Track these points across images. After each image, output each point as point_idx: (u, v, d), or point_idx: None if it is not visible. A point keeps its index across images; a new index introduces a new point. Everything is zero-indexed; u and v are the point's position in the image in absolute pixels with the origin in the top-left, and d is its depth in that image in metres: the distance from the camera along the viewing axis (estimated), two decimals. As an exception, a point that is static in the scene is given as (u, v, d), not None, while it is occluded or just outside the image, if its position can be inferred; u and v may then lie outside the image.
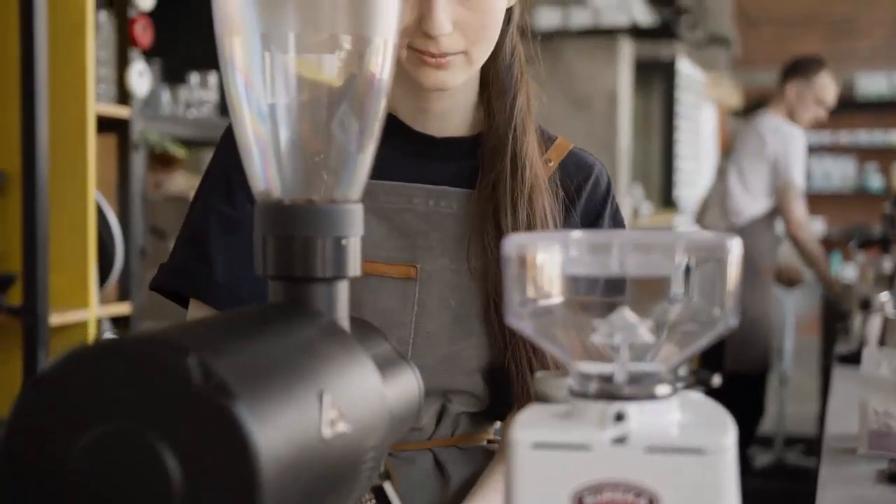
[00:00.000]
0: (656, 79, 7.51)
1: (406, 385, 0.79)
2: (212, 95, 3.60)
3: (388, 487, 0.79)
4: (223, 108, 3.52)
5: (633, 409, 0.63)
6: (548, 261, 0.67)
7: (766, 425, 5.38)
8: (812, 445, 5.06)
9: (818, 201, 10.16)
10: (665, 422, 0.64)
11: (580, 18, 5.97)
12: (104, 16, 3.05)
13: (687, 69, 7.79)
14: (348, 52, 0.72)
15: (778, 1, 10.63)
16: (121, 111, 3.04)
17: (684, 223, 7.36)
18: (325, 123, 0.72)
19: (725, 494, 0.62)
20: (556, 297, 0.67)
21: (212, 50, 0.72)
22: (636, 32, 6.20)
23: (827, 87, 4.60)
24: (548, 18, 5.86)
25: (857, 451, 1.76)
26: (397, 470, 1.28)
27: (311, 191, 0.72)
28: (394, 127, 1.31)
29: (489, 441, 1.39)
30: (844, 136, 10.43)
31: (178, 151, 3.41)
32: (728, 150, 5.04)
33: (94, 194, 2.89)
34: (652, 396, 0.64)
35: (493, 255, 1.25)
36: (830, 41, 10.41)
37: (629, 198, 6.29)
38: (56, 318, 2.73)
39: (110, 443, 0.56)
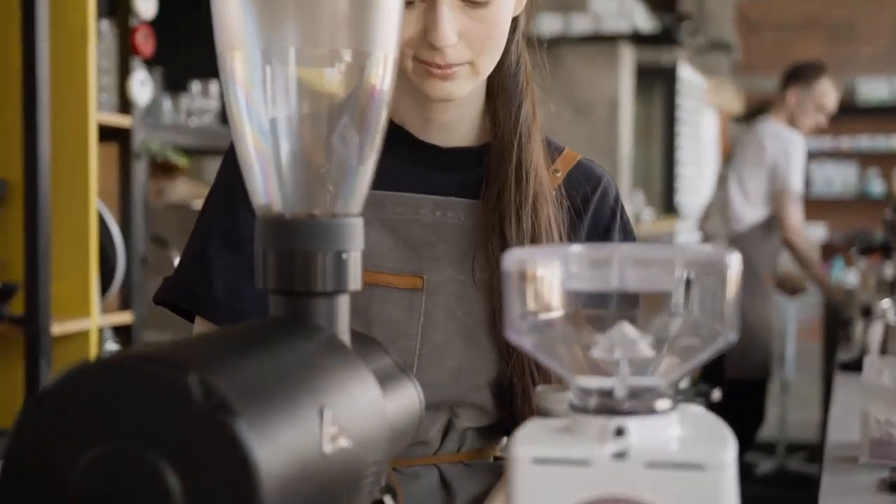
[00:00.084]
0: (657, 85, 7.51)
1: (407, 399, 0.79)
2: (213, 104, 3.60)
3: (390, 502, 0.79)
4: (224, 116, 3.52)
5: (633, 424, 0.63)
6: (547, 276, 0.67)
7: (768, 432, 5.38)
8: (814, 452, 5.05)
9: (819, 207, 10.17)
10: (665, 436, 0.64)
11: (581, 25, 5.97)
12: (106, 24, 3.06)
13: (688, 75, 7.80)
14: (349, 65, 0.72)
15: (779, 6, 10.64)
16: (122, 120, 3.04)
17: (686, 230, 7.36)
18: (326, 137, 0.72)
19: (726, 509, 0.62)
20: (556, 312, 0.67)
21: (213, 59, 0.72)
22: (637, 39, 6.20)
23: (827, 94, 4.60)
24: (549, 25, 5.86)
25: (859, 459, 1.76)
26: (402, 486, 1.27)
27: (312, 205, 0.72)
28: (400, 137, 1.31)
29: (496, 458, 1.37)
30: (846, 142, 10.43)
31: (180, 160, 3.41)
32: (729, 156, 5.04)
33: (95, 203, 2.89)
34: (652, 411, 0.64)
35: (498, 266, 1.25)
36: (831, 46, 10.42)
37: (630, 204, 6.29)
38: (58, 328, 2.73)
39: (111, 460, 0.56)
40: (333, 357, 0.69)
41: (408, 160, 1.30)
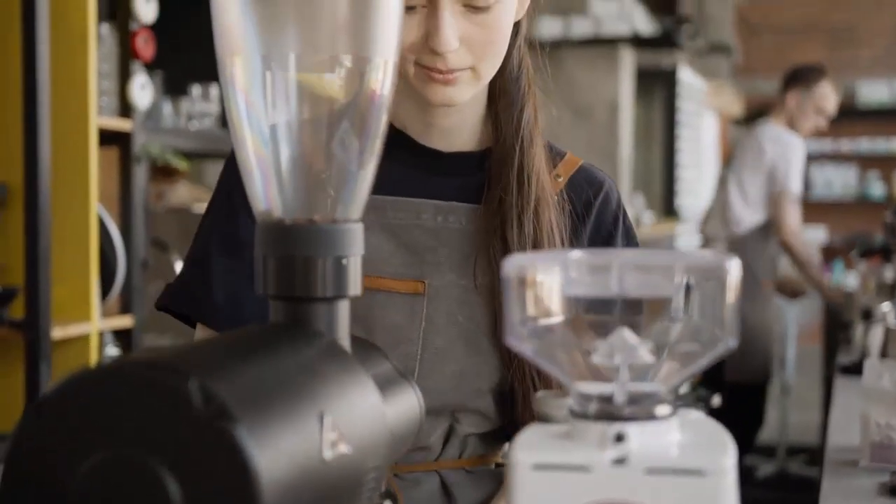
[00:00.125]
0: (657, 87, 7.52)
1: (407, 404, 0.79)
2: (213, 107, 3.61)
3: (390, 507, 0.79)
4: (225, 120, 3.52)
5: (633, 430, 0.63)
6: (547, 281, 0.67)
7: (769, 435, 5.38)
8: (815, 455, 5.05)
9: (820, 209, 10.17)
10: (665, 442, 0.64)
11: (581, 28, 5.98)
12: (106, 28, 3.06)
13: (688, 78, 7.80)
14: (349, 71, 0.72)
15: (779, 9, 10.65)
16: (123, 124, 3.04)
17: (686, 232, 7.36)
18: (326, 143, 0.72)
19: (726, 515, 0.62)
20: (556, 318, 0.67)
21: (213, 62, 0.73)
22: (637, 41, 6.21)
23: (827, 97, 4.60)
24: (549, 28, 5.86)
25: (859, 463, 1.76)
26: (403, 492, 1.27)
27: (312, 210, 0.72)
28: (401, 142, 1.31)
29: (497, 464, 1.36)
30: (846, 144, 10.44)
31: (180, 164, 3.41)
32: (729, 159, 5.04)
33: (95, 207, 2.89)
34: (652, 417, 0.64)
35: (499, 270, 1.25)
36: (831, 49, 10.42)
37: (631, 207, 6.29)
38: (58, 332, 2.73)
39: (112, 467, 0.56)
40: (333, 363, 0.69)
41: (409, 165, 1.30)
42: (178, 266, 3.29)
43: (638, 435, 0.63)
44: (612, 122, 6.08)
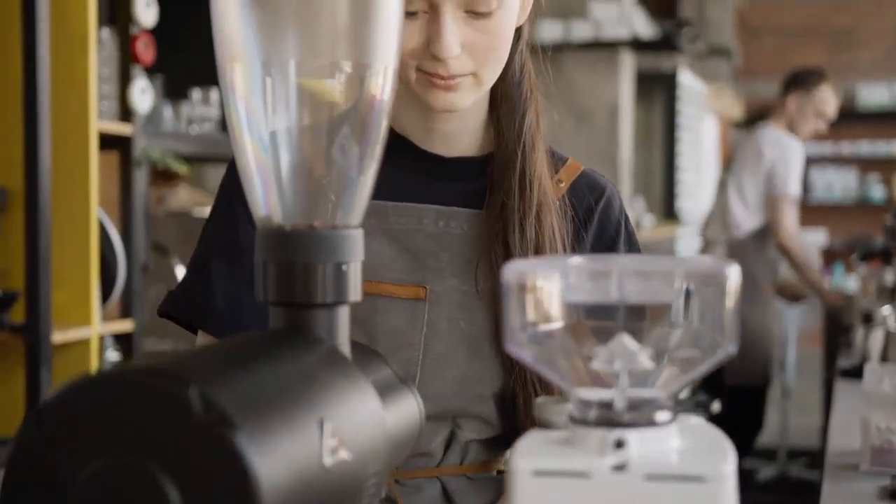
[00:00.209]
0: (657, 90, 7.52)
1: (407, 410, 0.79)
2: (214, 111, 3.61)
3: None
4: (225, 124, 3.53)
5: (632, 436, 0.63)
6: (547, 288, 0.67)
7: (769, 438, 5.37)
8: (815, 458, 5.05)
9: (820, 212, 10.18)
10: (665, 448, 0.64)
11: (581, 31, 5.98)
12: (106, 33, 3.06)
13: (688, 81, 7.80)
14: (349, 77, 0.72)
15: (779, 12, 10.65)
16: (123, 128, 3.05)
17: (687, 235, 7.36)
18: (326, 149, 0.72)
19: (726, 521, 0.62)
20: (556, 324, 0.67)
21: (214, 66, 0.73)
22: (637, 45, 6.21)
23: (827, 101, 4.60)
24: (549, 31, 5.87)
25: (860, 467, 1.76)
26: (404, 498, 1.26)
27: (312, 216, 0.72)
28: (403, 147, 1.30)
29: (499, 471, 1.35)
30: (846, 147, 10.45)
31: (181, 168, 3.41)
32: (729, 162, 5.04)
33: (96, 211, 2.89)
34: (652, 423, 0.64)
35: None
36: (832, 52, 10.43)
37: (631, 210, 6.29)
38: (58, 336, 2.73)
39: (112, 473, 0.56)
40: (333, 369, 0.69)
41: (410, 170, 1.30)
42: (179, 270, 3.30)
43: (638, 441, 0.63)
44: (612, 126, 6.09)
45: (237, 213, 1.26)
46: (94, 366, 2.89)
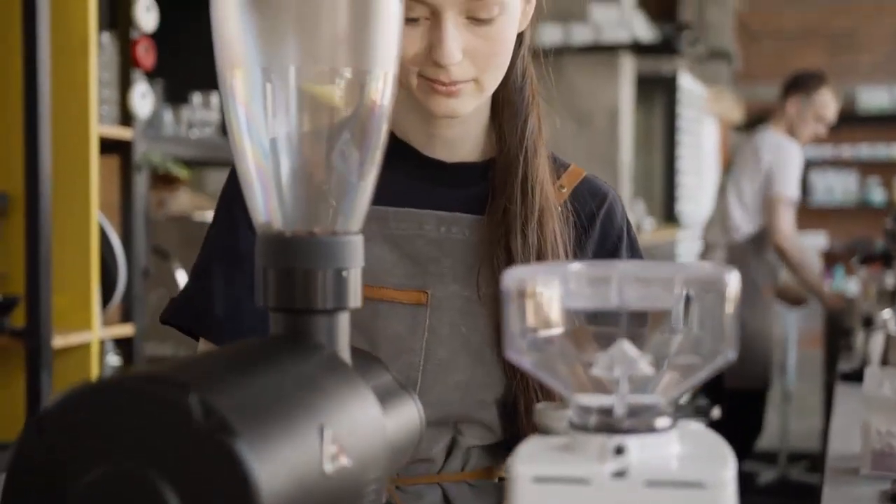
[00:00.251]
0: (658, 94, 7.52)
1: (407, 416, 0.79)
2: (214, 116, 3.61)
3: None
4: (225, 128, 3.53)
5: (632, 443, 0.63)
6: (547, 294, 0.67)
7: (770, 441, 5.37)
8: (816, 462, 5.05)
9: (820, 215, 10.18)
10: (665, 455, 0.64)
11: (581, 35, 5.98)
12: (107, 37, 3.06)
13: (688, 84, 7.81)
14: (349, 83, 0.72)
15: (779, 15, 10.66)
16: (123, 132, 3.05)
17: (687, 238, 7.36)
18: (326, 155, 0.72)
19: (726, 527, 0.62)
20: (556, 330, 0.67)
21: (214, 70, 0.73)
22: (637, 48, 6.21)
23: (827, 104, 4.59)
24: (549, 35, 5.87)
25: (860, 471, 1.76)
26: None
27: (312, 222, 0.72)
28: (405, 153, 1.30)
29: (501, 478, 1.34)
30: (846, 150, 10.45)
31: (181, 172, 3.41)
32: (729, 165, 5.04)
33: (96, 216, 2.89)
34: (652, 429, 0.64)
35: None
36: (831, 55, 10.44)
37: (631, 214, 6.27)
38: (59, 341, 2.73)
39: (113, 480, 0.56)
40: (333, 375, 0.69)
41: (412, 176, 1.30)
42: (179, 274, 3.30)
43: (638, 447, 0.63)
44: (612, 129, 6.09)
45: (238, 220, 1.26)
46: (94, 370, 2.89)
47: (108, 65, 3.05)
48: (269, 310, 0.72)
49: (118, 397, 0.57)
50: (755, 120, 7.99)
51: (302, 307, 0.70)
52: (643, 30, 6.26)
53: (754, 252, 4.53)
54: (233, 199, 1.27)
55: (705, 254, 4.92)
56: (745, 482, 5.05)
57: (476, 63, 1.20)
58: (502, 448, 1.32)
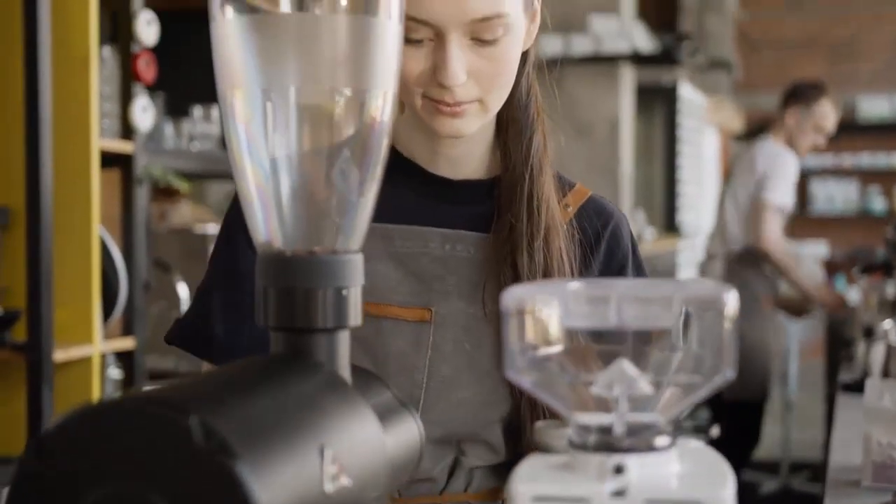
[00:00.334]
0: (658, 104, 7.53)
1: (407, 433, 0.79)
2: (214, 129, 3.62)
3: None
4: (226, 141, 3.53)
5: (632, 462, 0.63)
6: (546, 313, 0.68)
7: (772, 451, 5.37)
8: (818, 472, 5.04)
9: (821, 224, 10.18)
10: (664, 473, 0.64)
11: (581, 46, 5.99)
12: (108, 51, 3.07)
13: (688, 94, 7.81)
14: (348, 103, 0.72)
15: (779, 24, 10.67)
16: (124, 146, 3.05)
17: (688, 248, 7.37)
18: (326, 173, 0.73)
19: (725, 546, 0.63)
20: (555, 349, 0.68)
21: (214, 84, 0.73)
22: (637, 59, 6.22)
23: (827, 116, 4.58)
24: (549, 46, 5.87)
25: (861, 483, 1.75)
26: None
27: (313, 242, 0.72)
28: (410, 170, 1.30)
29: (503, 502, 1.33)
30: (847, 159, 10.45)
31: (182, 186, 3.42)
32: (728, 175, 5.04)
33: (97, 229, 2.90)
34: (651, 448, 0.65)
35: None
36: (832, 64, 10.45)
37: (632, 223, 6.27)
38: (60, 354, 2.73)
39: (113, 502, 0.56)
40: (334, 395, 0.69)
41: (417, 193, 1.30)
42: (181, 287, 3.31)
43: (637, 466, 0.63)
44: (612, 139, 6.09)
45: (239, 241, 1.26)
46: (95, 384, 2.89)
47: (109, 78, 3.06)
48: (269, 329, 0.72)
49: (118, 418, 0.58)
50: (756, 129, 7.99)
51: (302, 326, 0.71)
52: (643, 40, 6.27)
53: (752, 263, 4.52)
54: (234, 220, 1.28)
55: (706, 265, 4.92)
56: (747, 492, 5.05)
57: (480, 83, 1.19)
58: (507, 469, 1.31)
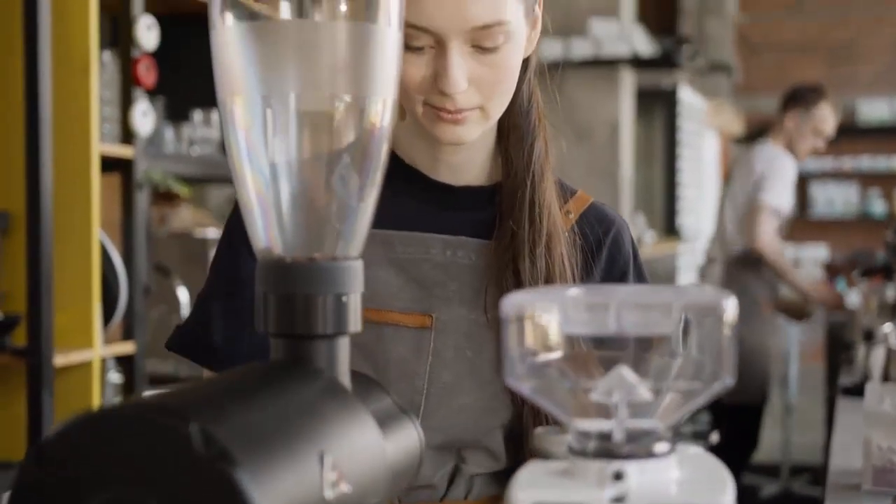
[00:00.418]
0: (658, 107, 7.54)
1: (407, 439, 0.79)
2: (215, 133, 3.62)
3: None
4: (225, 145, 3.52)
5: (631, 468, 0.63)
6: (545, 319, 0.68)
7: (772, 454, 5.37)
8: (818, 475, 5.04)
9: (821, 227, 10.19)
10: (664, 480, 0.64)
11: (581, 49, 5.99)
12: (108, 56, 3.07)
13: (688, 97, 7.82)
14: (348, 109, 0.72)
15: (779, 28, 10.68)
16: (124, 151, 3.05)
17: (688, 252, 7.37)
18: (326, 180, 0.73)
19: (725, 552, 0.63)
20: (554, 356, 0.68)
21: (214, 88, 0.73)
22: (637, 62, 6.22)
23: (826, 119, 4.58)
24: (549, 49, 5.88)
25: (861, 487, 1.76)
26: None
27: (313, 248, 0.72)
28: (411, 176, 1.30)
29: None
30: (847, 162, 10.47)
31: (182, 190, 3.42)
32: (728, 179, 5.04)
33: (97, 234, 2.90)
34: (651, 454, 0.65)
35: None
36: (831, 67, 10.46)
37: (632, 227, 6.27)
38: (60, 359, 2.73)
39: (113, 510, 0.57)
40: (334, 401, 0.69)
41: (419, 199, 1.30)
42: (181, 291, 3.31)
43: (637, 473, 0.64)
44: (612, 143, 6.09)
45: (239, 248, 1.26)
46: (95, 388, 2.89)
47: (109, 83, 3.06)
48: (269, 335, 0.72)
49: (119, 425, 0.58)
50: (756, 132, 8.00)
51: (302, 332, 0.71)
52: (643, 44, 6.27)
53: (751, 267, 4.52)
54: (236, 226, 1.28)
55: (706, 268, 4.91)
56: (748, 496, 5.05)
57: (481, 91, 1.19)
58: (508, 476, 1.30)
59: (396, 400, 0.81)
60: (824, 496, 1.80)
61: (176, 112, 3.55)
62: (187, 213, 3.77)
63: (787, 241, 4.90)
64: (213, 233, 3.44)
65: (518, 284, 1.25)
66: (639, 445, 0.65)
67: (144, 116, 3.11)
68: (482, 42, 1.17)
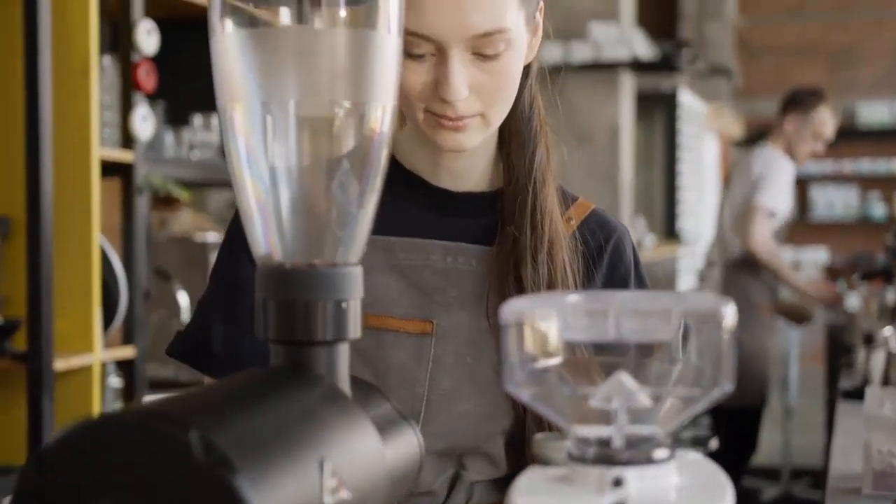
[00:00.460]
0: (658, 110, 7.54)
1: (407, 445, 0.79)
2: (214, 137, 3.62)
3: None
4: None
5: (631, 475, 0.63)
6: (545, 326, 0.68)
7: (773, 457, 5.37)
8: (819, 478, 5.04)
9: (821, 230, 10.20)
10: (664, 486, 0.64)
11: (581, 53, 6.00)
12: (108, 60, 3.07)
13: (688, 100, 7.82)
14: (348, 115, 0.73)
15: (778, 31, 10.69)
16: (125, 155, 3.06)
17: (688, 255, 7.37)
18: (326, 186, 0.73)
19: (724, 558, 0.63)
20: (554, 362, 0.68)
21: (214, 92, 0.73)
22: (637, 66, 6.23)
23: (826, 123, 4.58)
24: (549, 53, 5.88)
25: (862, 491, 1.76)
26: None
27: (312, 254, 0.72)
28: (412, 182, 1.30)
29: None
30: (847, 165, 10.47)
31: (182, 194, 3.42)
32: (727, 182, 5.05)
33: (98, 238, 2.90)
34: (650, 460, 0.65)
35: None
36: (831, 70, 10.46)
37: (632, 230, 6.27)
38: (60, 364, 2.73)
39: (113, 517, 0.57)
40: (333, 407, 0.69)
41: (419, 205, 1.30)
42: (181, 296, 3.31)
43: (636, 479, 0.63)
44: (612, 146, 6.10)
45: (239, 255, 1.26)
46: (96, 393, 2.89)
47: (109, 88, 3.07)
48: (269, 341, 0.72)
49: (119, 432, 0.58)
50: (755, 136, 8.00)
51: (302, 339, 0.71)
52: (643, 47, 6.28)
53: (750, 270, 4.51)
54: (236, 233, 1.28)
55: (706, 272, 4.91)
56: (748, 499, 5.04)
57: (482, 98, 1.19)
58: (508, 483, 1.29)
59: (396, 406, 0.81)
60: (824, 500, 1.80)
61: (176, 116, 3.55)
62: (187, 217, 3.77)
63: (787, 245, 4.90)
64: (213, 237, 3.44)
65: (520, 291, 1.25)
66: (638, 451, 0.65)
67: (144, 121, 3.11)
68: (483, 49, 1.17)
